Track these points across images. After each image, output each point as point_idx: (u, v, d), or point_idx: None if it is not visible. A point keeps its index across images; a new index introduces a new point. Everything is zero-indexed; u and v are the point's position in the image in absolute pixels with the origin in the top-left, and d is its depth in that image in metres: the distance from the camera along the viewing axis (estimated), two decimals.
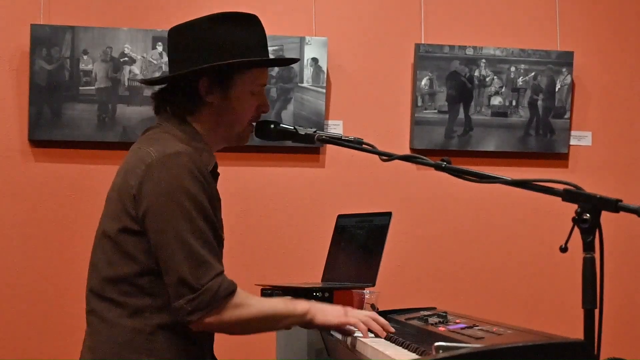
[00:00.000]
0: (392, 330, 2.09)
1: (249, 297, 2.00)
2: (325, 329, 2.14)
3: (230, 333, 2.02)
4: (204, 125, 2.10)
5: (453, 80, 4.21)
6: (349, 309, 2.12)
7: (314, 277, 3.33)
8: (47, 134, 3.87)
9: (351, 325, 2.06)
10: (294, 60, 2.39)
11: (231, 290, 1.94)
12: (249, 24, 2.13)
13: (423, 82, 4.18)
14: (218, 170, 2.15)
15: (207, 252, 1.93)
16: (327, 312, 2.07)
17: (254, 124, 2.17)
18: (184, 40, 2.10)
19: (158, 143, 2.00)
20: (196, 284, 1.89)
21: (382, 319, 2.13)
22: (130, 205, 1.95)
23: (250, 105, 2.12)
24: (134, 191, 1.95)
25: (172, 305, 1.92)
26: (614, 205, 1.59)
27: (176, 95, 2.10)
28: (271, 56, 2.25)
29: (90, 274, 2.05)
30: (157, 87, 2.18)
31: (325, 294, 2.68)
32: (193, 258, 1.90)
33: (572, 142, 4.34)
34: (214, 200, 2.02)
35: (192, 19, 2.14)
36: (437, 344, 1.65)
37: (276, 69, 4.02)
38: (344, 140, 2.13)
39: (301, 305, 2.06)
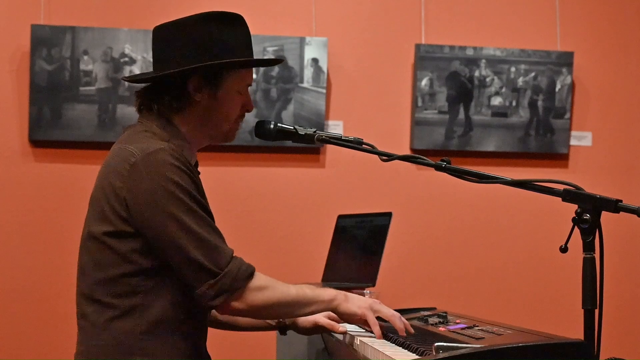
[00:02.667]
0: (412, 331, 2.07)
1: (272, 280, 2.01)
2: (348, 319, 2.12)
3: (257, 316, 2.03)
4: (190, 124, 2.10)
5: (453, 80, 4.21)
6: (375, 302, 2.11)
7: (314, 277, 3.33)
8: (47, 134, 3.87)
9: (370, 323, 2.04)
10: (280, 61, 2.41)
11: (250, 271, 1.95)
12: (235, 23, 2.13)
13: (423, 83, 4.18)
14: (200, 169, 2.15)
15: (214, 236, 1.94)
16: (352, 302, 2.06)
17: (240, 122, 2.18)
18: (170, 38, 2.10)
19: (139, 141, 1.99)
20: (216, 268, 1.91)
21: (404, 319, 2.11)
22: (120, 207, 1.95)
23: (236, 104, 2.13)
24: (123, 193, 1.94)
25: (195, 292, 1.92)
26: (614, 206, 1.59)
27: (163, 94, 2.10)
28: (257, 56, 2.27)
29: (79, 277, 2.05)
30: (141, 85, 2.17)
31: None
32: (204, 245, 1.91)
33: (572, 142, 4.34)
34: (201, 190, 2.02)
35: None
36: (437, 344, 1.65)
37: (276, 69, 4.02)
38: (344, 140, 2.13)
39: (328, 292, 2.06)
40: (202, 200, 1.98)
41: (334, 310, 2.07)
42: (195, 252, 1.90)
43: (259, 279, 1.97)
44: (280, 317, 2.17)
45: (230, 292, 1.92)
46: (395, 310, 2.28)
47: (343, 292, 2.09)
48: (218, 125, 2.13)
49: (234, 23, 2.12)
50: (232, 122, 2.14)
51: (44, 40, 3.85)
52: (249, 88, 2.19)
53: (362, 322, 2.09)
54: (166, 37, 2.11)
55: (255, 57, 2.21)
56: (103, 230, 1.97)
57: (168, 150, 1.95)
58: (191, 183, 1.96)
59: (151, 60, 2.18)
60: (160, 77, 2.09)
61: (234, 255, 1.96)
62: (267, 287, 1.98)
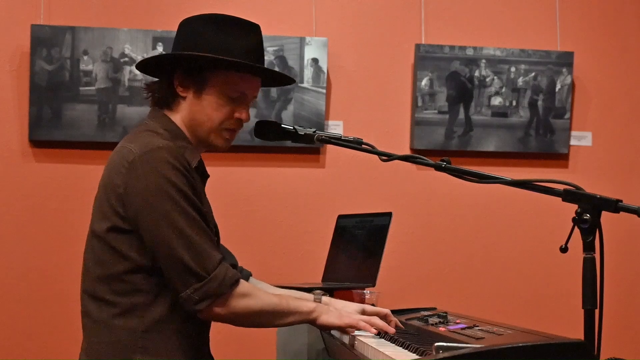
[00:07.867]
0: (393, 330, 2.10)
1: (255, 288, 2.02)
2: (328, 329, 2.14)
3: (237, 324, 2.02)
4: (182, 122, 2.10)
5: (453, 80, 4.21)
6: (353, 311, 2.12)
7: (314, 278, 3.33)
8: (47, 134, 3.87)
9: (353, 326, 2.07)
10: (289, 79, 2.24)
11: (236, 278, 1.95)
12: (242, 29, 2.09)
13: (423, 82, 4.18)
14: (208, 172, 2.15)
15: (204, 240, 1.94)
16: (332, 314, 2.08)
17: (230, 130, 2.11)
18: (177, 34, 2.14)
19: (139, 140, 2.01)
20: (202, 272, 1.90)
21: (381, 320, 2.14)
22: (118, 204, 1.95)
23: (222, 109, 2.07)
24: (120, 190, 1.95)
25: (179, 296, 1.92)
26: (614, 206, 1.59)
27: (158, 87, 2.12)
28: (268, 66, 2.23)
29: (83, 275, 2.06)
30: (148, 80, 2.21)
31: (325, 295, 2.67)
32: (193, 248, 1.91)
33: (572, 142, 4.34)
34: (198, 192, 2.01)
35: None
36: (437, 344, 1.65)
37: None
38: (344, 140, 2.13)
39: (307, 304, 2.07)
40: (197, 202, 1.97)
41: (313, 322, 2.07)
42: (184, 253, 1.90)
43: (243, 287, 1.97)
44: (259, 326, 2.11)
45: (215, 298, 1.92)
46: (395, 310, 2.29)
47: (324, 305, 2.10)
48: (202, 126, 2.08)
49: (239, 28, 2.08)
50: (218, 128, 2.09)
51: (44, 40, 3.85)
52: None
53: (346, 332, 2.11)
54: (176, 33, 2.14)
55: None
56: (104, 228, 1.98)
57: (166, 149, 1.95)
58: (187, 184, 1.95)
59: None
60: (147, 66, 2.12)
61: (222, 260, 1.95)
62: (250, 295, 1.98)
